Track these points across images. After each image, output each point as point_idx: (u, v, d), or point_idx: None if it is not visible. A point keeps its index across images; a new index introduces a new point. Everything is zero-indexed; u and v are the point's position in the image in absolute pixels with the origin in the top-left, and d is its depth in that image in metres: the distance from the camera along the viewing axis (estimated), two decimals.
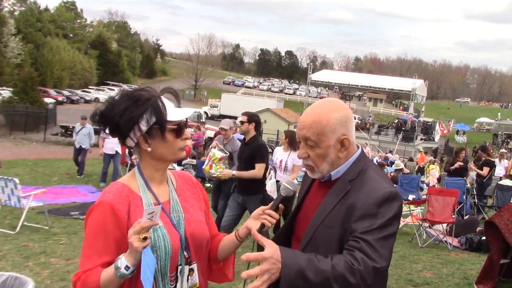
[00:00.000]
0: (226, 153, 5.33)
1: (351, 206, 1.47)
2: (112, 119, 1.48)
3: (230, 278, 1.73)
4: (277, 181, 6.26)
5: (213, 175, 5.21)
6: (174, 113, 1.52)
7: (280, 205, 1.64)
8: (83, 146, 11.72)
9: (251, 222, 1.62)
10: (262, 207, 1.64)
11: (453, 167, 10.12)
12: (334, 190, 1.55)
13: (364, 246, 1.39)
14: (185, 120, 1.56)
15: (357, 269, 1.35)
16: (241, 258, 1.36)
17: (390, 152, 27.83)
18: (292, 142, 6.36)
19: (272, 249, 1.36)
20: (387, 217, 1.44)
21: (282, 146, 6.62)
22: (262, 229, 1.60)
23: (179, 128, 1.54)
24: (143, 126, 1.48)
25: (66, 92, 40.79)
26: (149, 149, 1.51)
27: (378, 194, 1.46)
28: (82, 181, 11.23)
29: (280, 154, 6.55)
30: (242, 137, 5.55)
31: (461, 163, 10.14)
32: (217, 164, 5.16)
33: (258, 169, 4.98)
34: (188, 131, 1.62)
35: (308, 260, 1.37)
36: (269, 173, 6.49)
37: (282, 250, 1.37)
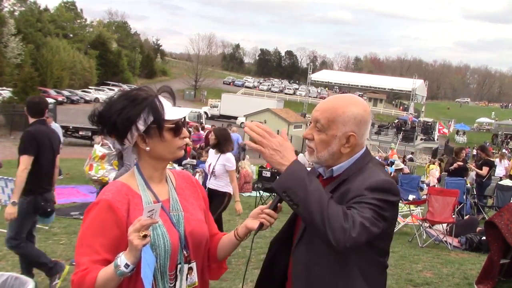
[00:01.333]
0: (111, 150, 4.25)
1: (345, 191, 1.49)
2: (110, 119, 1.48)
3: (226, 268, 1.76)
4: (208, 188, 5.25)
5: (93, 177, 4.18)
6: (172, 112, 1.52)
7: (279, 204, 1.64)
8: None
9: (250, 222, 1.63)
10: (261, 206, 1.64)
11: (452, 167, 10.12)
12: (334, 182, 1.56)
13: (351, 210, 1.40)
14: (183, 119, 1.57)
15: (351, 216, 1.36)
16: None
17: (412, 154, 27.32)
18: (220, 143, 5.30)
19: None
20: (378, 198, 1.42)
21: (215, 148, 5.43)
22: (260, 229, 1.61)
23: (177, 127, 1.54)
24: (141, 126, 1.48)
25: (66, 92, 40.75)
26: (147, 148, 1.52)
27: (372, 180, 1.46)
28: (82, 181, 11.23)
29: (210, 157, 5.51)
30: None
31: (461, 163, 10.14)
32: (99, 164, 4.18)
33: (20, 165, 3.70)
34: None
35: (314, 179, 1.42)
36: (197, 175, 5.61)
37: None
